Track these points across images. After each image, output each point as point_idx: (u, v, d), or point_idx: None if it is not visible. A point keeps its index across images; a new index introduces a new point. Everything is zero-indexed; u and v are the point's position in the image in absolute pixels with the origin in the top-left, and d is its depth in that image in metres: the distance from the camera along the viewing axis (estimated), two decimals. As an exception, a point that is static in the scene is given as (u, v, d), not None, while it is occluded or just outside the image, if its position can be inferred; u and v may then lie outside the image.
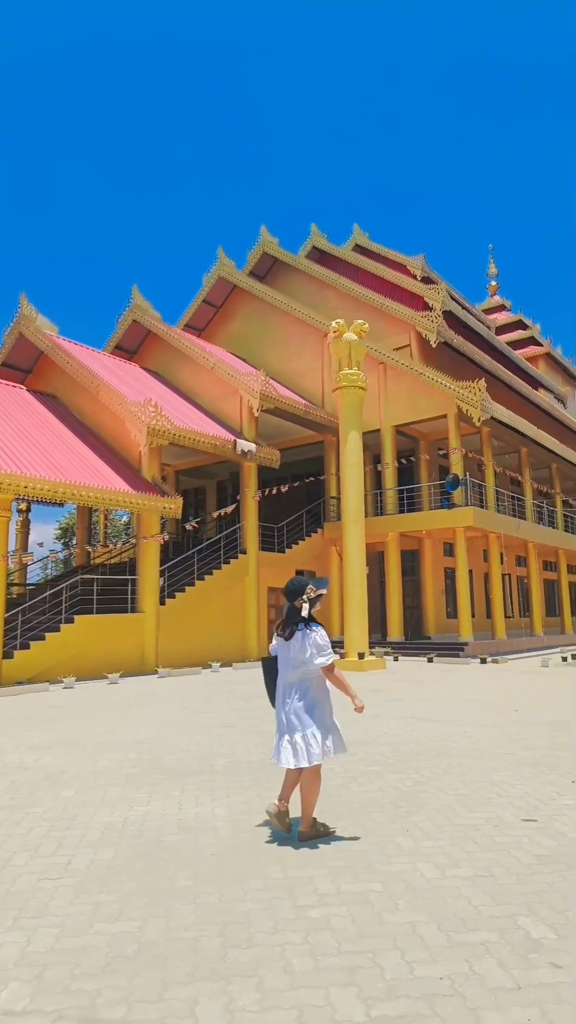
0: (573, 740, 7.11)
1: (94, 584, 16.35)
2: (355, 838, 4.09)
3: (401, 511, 22.02)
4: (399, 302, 24.41)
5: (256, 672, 15.93)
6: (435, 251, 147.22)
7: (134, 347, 25.29)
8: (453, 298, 27.72)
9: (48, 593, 16.48)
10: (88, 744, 7.28)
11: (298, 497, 23.16)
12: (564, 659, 18.16)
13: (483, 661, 17.74)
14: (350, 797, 4.96)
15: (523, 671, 15.33)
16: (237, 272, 27.16)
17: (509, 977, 2.52)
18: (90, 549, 24.57)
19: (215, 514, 20.78)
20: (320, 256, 28.81)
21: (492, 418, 21.13)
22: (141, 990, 2.48)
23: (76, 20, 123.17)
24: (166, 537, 19.12)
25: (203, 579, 18.35)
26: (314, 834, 4.07)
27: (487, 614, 24.02)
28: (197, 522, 21.81)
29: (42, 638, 14.44)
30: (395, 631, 20.96)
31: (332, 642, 4.76)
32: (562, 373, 41.35)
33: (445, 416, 21.23)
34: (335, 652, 4.49)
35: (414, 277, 26.68)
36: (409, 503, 22.50)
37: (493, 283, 43.64)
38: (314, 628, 4.12)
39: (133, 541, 18.71)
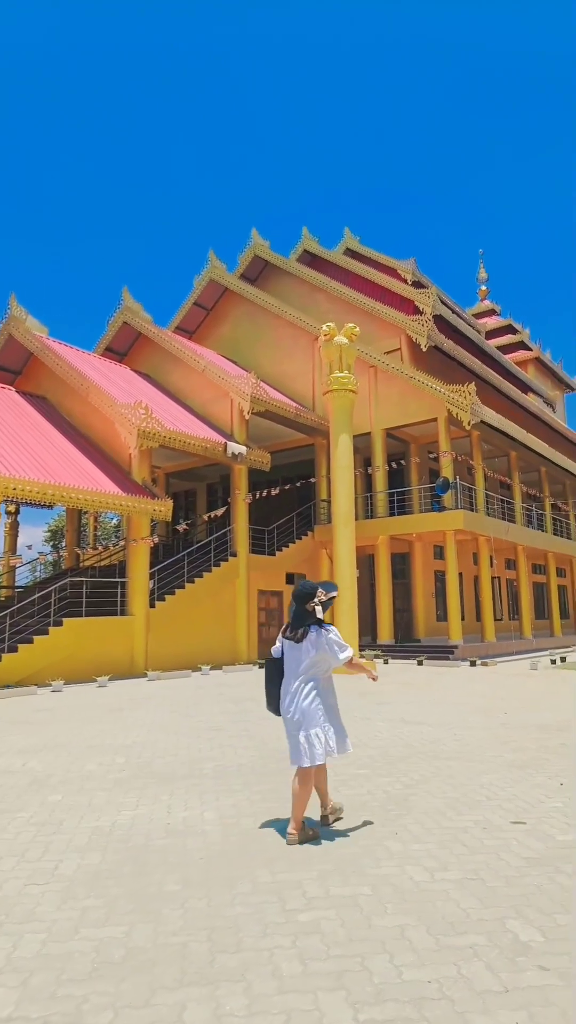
0: (572, 741, 7.13)
1: (83, 587, 16.27)
2: (344, 840, 4.09)
3: (391, 514, 22.05)
4: (390, 306, 24.49)
5: (246, 675, 15.91)
6: (426, 255, 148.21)
7: (124, 349, 25.20)
8: (443, 302, 27.84)
9: (37, 596, 16.36)
10: (76, 748, 7.24)
11: (288, 500, 23.16)
12: (553, 662, 18.24)
13: (473, 664, 17.81)
14: (339, 800, 4.95)
15: (512, 674, 15.38)
16: (228, 275, 27.14)
17: (497, 980, 2.52)
18: (79, 551, 24.47)
19: (205, 517, 20.73)
20: (311, 259, 28.84)
21: (482, 422, 21.22)
22: (128, 996, 2.46)
23: (69, 24, 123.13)
24: (156, 540, 19.07)
25: (193, 582, 18.30)
26: (303, 838, 4.07)
27: (477, 617, 24.09)
28: (187, 524, 21.75)
29: (30, 641, 14.34)
30: (385, 634, 20.99)
31: None
32: (551, 377, 41.59)
33: (435, 419, 21.30)
34: None
35: (405, 281, 26.79)
36: (399, 506, 22.54)
37: (483, 287, 43.85)
38: (327, 628, 4.32)
39: (123, 544, 18.61)
